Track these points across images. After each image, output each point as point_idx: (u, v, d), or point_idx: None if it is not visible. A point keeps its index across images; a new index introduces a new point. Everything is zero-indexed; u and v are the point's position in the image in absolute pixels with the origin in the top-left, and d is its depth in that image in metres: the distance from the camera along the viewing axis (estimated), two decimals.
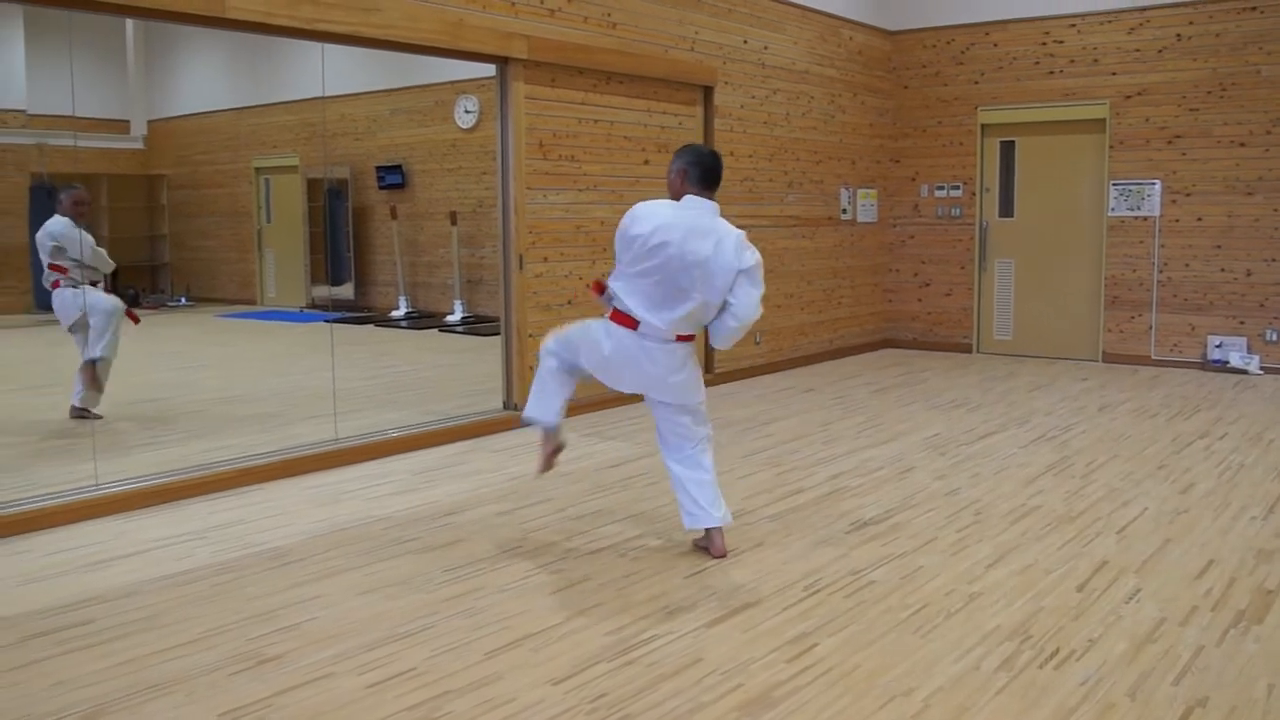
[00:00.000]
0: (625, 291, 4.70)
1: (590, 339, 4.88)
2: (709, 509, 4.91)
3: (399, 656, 3.85)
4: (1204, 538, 5.23)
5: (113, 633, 4.08)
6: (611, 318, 4.77)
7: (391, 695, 3.53)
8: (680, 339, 4.76)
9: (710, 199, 4.75)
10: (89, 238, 7.01)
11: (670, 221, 4.60)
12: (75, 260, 6.94)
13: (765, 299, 4.80)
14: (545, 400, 5.08)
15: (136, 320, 7.26)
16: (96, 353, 6.94)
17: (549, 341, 5.07)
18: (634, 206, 4.72)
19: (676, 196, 4.77)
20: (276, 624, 4.16)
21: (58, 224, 6.93)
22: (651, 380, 4.80)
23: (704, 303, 4.68)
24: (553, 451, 5.19)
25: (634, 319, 4.70)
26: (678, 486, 4.98)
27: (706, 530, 4.96)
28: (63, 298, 6.96)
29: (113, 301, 7.07)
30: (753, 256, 4.67)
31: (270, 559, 4.95)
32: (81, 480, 5.85)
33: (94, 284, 7.04)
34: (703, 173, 4.74)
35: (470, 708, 3.44)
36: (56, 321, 7.03)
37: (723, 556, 4.93)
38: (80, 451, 6.34)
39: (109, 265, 7.18)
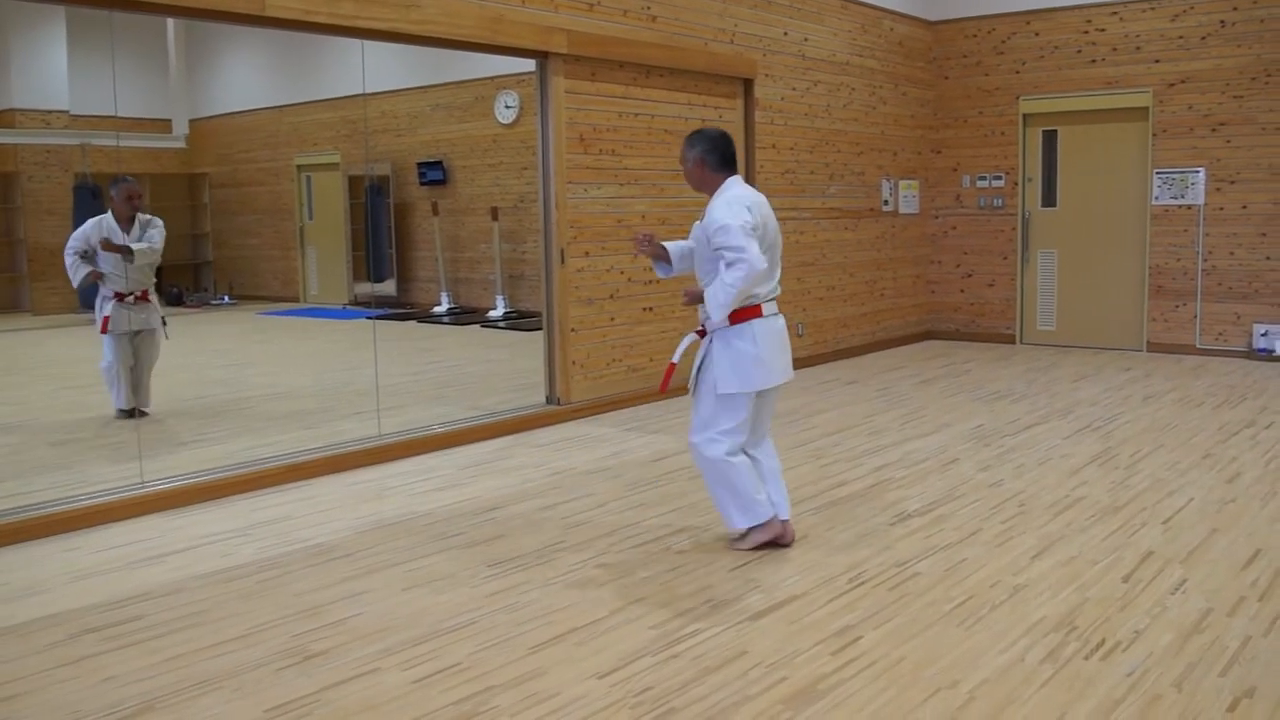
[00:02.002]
0: None
1: (735, 366, 4.71)
2: (785, 500, 4.97)
3: (444, 651, 3.87)
4: (1251, 527, 5.17)
5: (161, 629, 4.12)
6: (732, 320, 4.70)
7: (437, 690, 3.55)
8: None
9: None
10: (152, 230, 6.93)
11: (757, 202, 4.72)
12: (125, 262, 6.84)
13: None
14: (746, 502, 4.83)
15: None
16: (125, 404, 6.83)
17: (708, 431, 4.79)
18: (735, 199, 4.66)
19: (699, 184, 4.84)
20: (322, 619, 4.19)
21: (88, 224, 6.81)
22: (788, 356, 4.86)
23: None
24: (776, 538, 4.95)
25: (756, 305, 4.74)
26: (770, 477, 4.93)
27: (782, 522, 4.95)
28: (116, 318, 6.86)
29: (149, 350, 6.96)
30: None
31: (315, 555, 4.98)
32: (128, 478, 5.91)
33: (138, 295, 6.93)
34: (720, 158, 4.80)
35: (514, 702, 3.45)
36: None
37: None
38: (126, 449, 6.40)
39: (155, 256, 7.03)
